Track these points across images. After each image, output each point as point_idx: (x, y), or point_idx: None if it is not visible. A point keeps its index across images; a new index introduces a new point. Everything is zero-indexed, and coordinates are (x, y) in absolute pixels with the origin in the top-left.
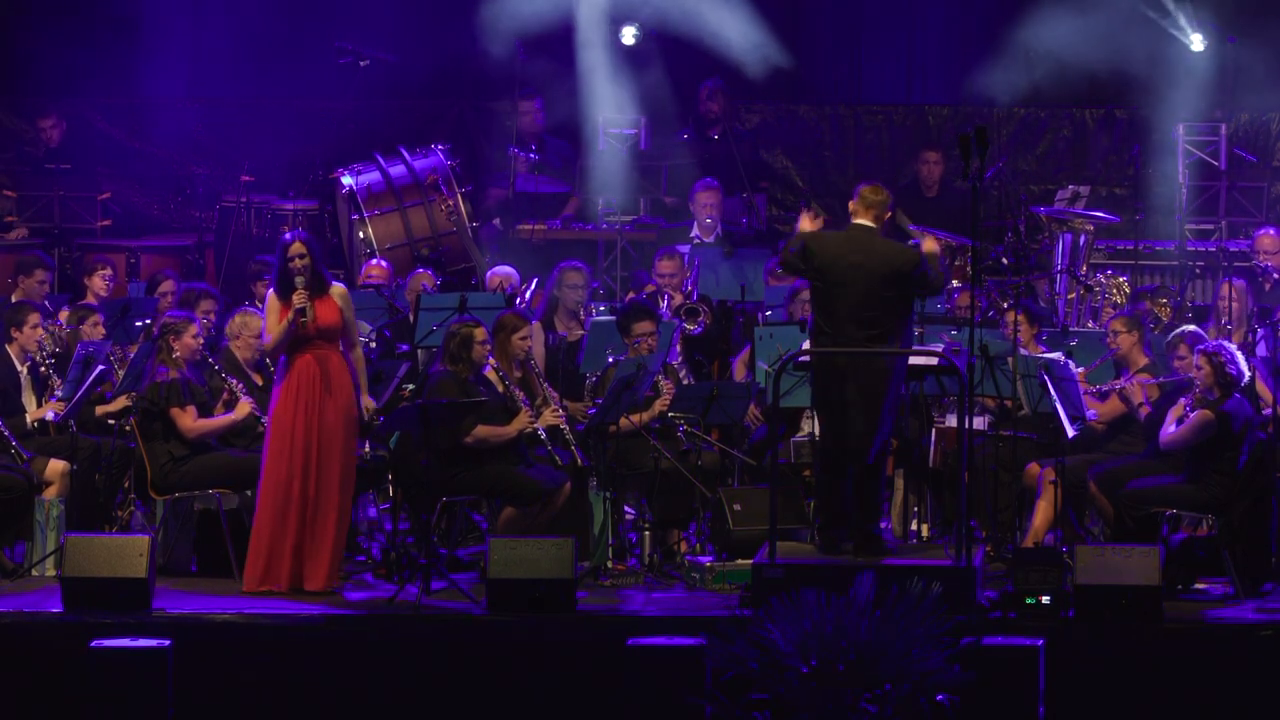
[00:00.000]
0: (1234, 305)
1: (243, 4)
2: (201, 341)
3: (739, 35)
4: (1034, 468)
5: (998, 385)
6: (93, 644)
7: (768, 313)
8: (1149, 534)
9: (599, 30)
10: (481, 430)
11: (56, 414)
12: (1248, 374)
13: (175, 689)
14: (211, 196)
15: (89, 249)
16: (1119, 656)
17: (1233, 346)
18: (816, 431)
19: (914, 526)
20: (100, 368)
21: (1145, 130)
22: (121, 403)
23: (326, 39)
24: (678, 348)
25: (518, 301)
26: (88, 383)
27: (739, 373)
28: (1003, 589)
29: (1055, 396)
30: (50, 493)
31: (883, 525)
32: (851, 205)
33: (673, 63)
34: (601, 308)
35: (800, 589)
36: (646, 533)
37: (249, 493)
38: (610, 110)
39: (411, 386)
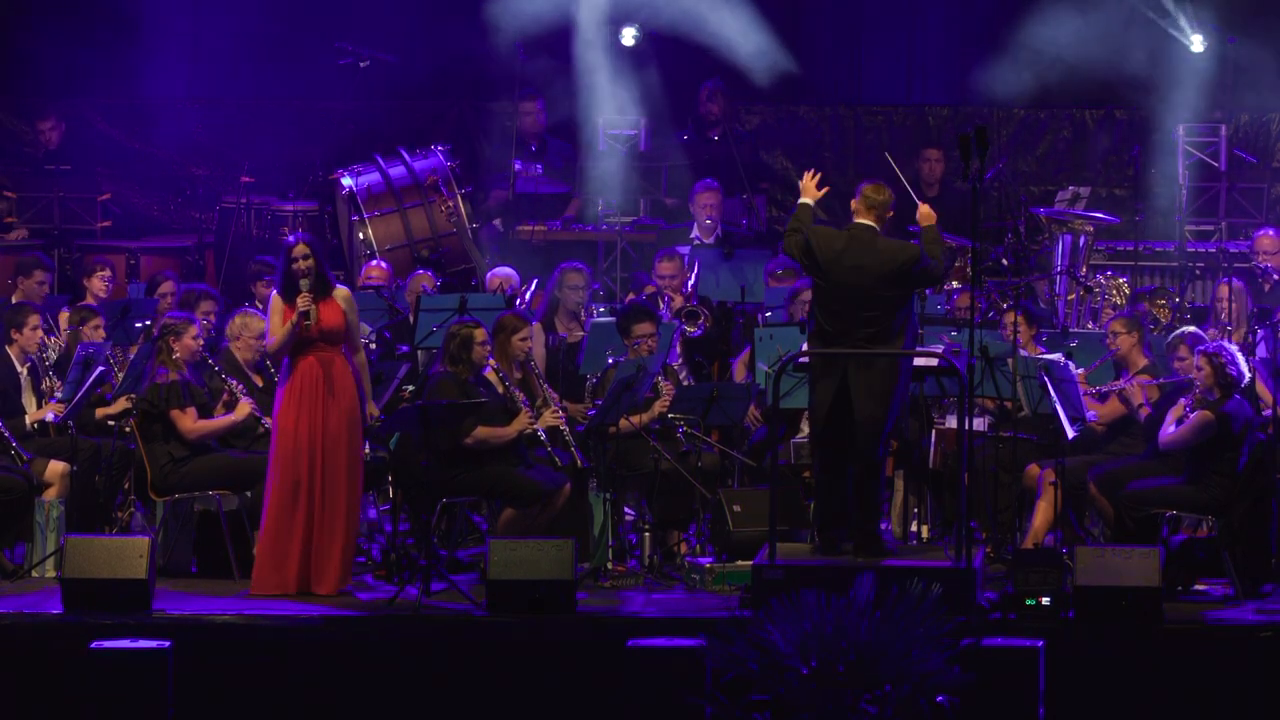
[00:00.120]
0: (1233, 306)
1: (243, 4)
2: (201, 343)
3: (739, 36)
4: (1034, 469)
5: (998, 386)
6: (93, 645)
7: (768, 314)
8: (1149, 535)
9: (599, 31)
10: (481, 431)
11: (56, 415)
12: (1248, 375)
13: (175, 690)
14: (211, 197)
15: (89, 250)
16: (1119, 658)
17: (1233, 347)
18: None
19: (914, 527)
20: (100, 369)
21: (1145, 131)
22: (121, 404)
23: (326, 39)
24: (678, 349)
25: (518, 302)
26: (88, 384)
27: (739, 374)
28: (1003, 590)
29: (1055, 397)
30: (50, 494)
31: (883, 526)
32: (853, 204)
33: (672, 64)
34: (601, 309)
35: (800, 590)
36: (646, 534)
37: (249, 494)
38: (610, 111)
39: (411, 387)
